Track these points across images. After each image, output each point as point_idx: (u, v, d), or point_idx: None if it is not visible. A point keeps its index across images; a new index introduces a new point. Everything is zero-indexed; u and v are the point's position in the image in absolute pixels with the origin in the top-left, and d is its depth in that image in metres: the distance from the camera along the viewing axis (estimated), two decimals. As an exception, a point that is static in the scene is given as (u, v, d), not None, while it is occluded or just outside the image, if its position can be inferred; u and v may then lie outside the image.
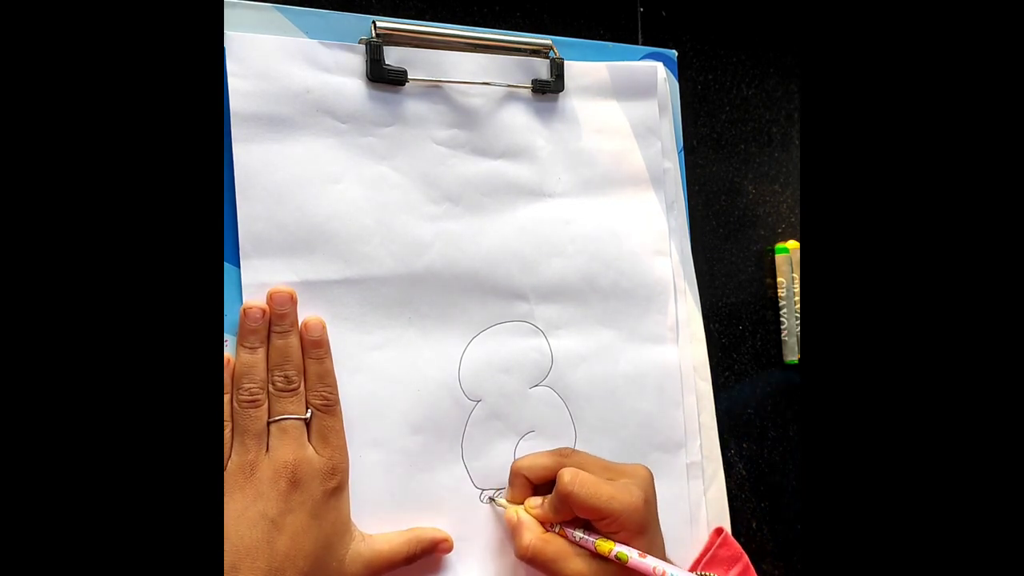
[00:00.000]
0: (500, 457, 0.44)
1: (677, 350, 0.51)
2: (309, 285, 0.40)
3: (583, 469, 0.41)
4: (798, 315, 0.65)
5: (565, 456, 0.43)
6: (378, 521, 0.40)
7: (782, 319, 0.65)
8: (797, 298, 0.65)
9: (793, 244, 0.65)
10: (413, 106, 0.43)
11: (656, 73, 0.51)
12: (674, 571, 0.40)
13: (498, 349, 0.45)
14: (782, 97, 0.66)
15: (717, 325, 0.61)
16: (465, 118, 0.44)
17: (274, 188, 0.39)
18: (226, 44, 0.38)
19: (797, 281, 0.65)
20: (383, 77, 0.42)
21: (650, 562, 0.40)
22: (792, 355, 0.65)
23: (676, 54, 0.54)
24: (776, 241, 0.66)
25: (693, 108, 0.60)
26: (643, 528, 0.41)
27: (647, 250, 0.50)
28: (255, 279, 0.39)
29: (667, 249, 0.51)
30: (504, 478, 0.44)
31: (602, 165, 0.49)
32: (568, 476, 0.40)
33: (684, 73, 0.58)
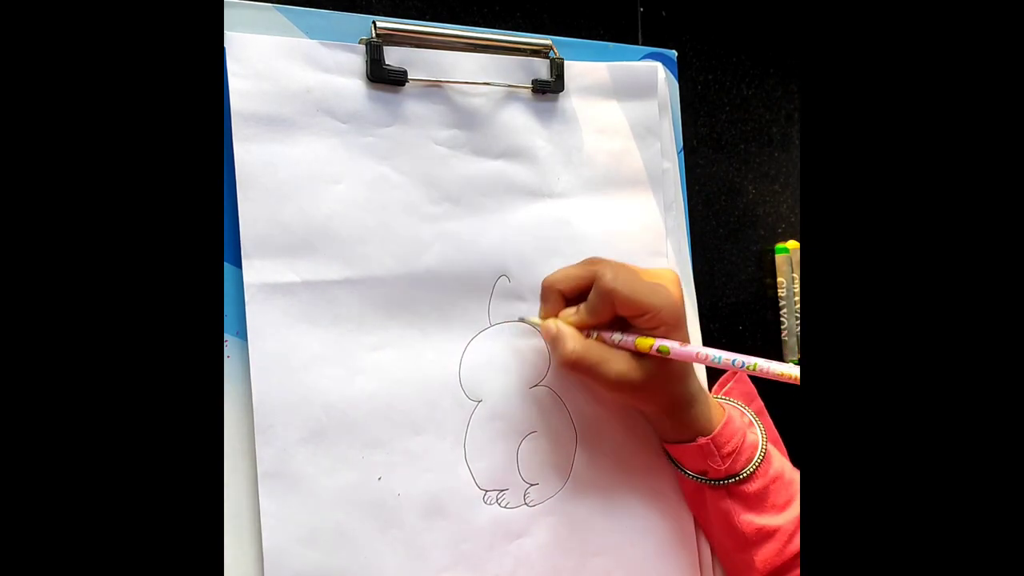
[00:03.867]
0: (502, 457, 0.44)
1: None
2: (310, 285, 0.40)
3: None
4: (798, 315, 0.65)
5: (595, 264, 0.43)
6: (382, 524, 0.40)
7: (782, 319, 0.65)
8: (797, 298, 0.65)
9: (793, 244, 0.65)
10: (413, 106, 0.43)
11: (656, 73, 0.51)
12: (716, 354, 0.40)
13: (498, 349, 0.45)
14: (782, 97, 0.66)
15: (717, 325, 0.61)
16: (465, 118, 0.44)
17: (275, 188, 0.39)
18: (226, 44, 0.38)
19: (797, 281, 0.65)
20: (383, 77, 0.42)
21: (691, 349, 0.40)
22: (792, 355, 0.65)
23: (676, 54, 0.54)
24: (776, 241, 0.66)
25: (693, 108, 0.60)
26: (679, 322, 0.42)
27: (645, 251, 0.50)
28: (256, 279, 0.39)
29: (664, 250, 0.51)
30: (507, 479, 0.44)
31: (602, 165, 0.49)
32: (610, 273, 0.40)
33: (684, 73, 0.58)
